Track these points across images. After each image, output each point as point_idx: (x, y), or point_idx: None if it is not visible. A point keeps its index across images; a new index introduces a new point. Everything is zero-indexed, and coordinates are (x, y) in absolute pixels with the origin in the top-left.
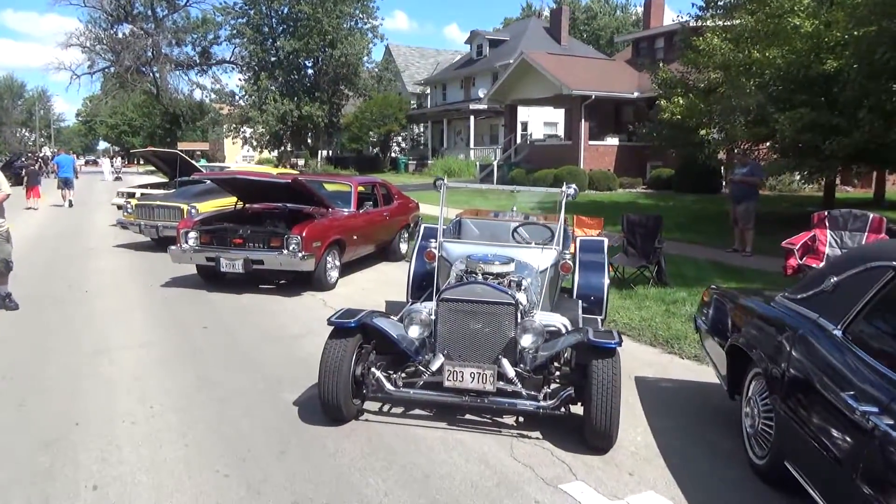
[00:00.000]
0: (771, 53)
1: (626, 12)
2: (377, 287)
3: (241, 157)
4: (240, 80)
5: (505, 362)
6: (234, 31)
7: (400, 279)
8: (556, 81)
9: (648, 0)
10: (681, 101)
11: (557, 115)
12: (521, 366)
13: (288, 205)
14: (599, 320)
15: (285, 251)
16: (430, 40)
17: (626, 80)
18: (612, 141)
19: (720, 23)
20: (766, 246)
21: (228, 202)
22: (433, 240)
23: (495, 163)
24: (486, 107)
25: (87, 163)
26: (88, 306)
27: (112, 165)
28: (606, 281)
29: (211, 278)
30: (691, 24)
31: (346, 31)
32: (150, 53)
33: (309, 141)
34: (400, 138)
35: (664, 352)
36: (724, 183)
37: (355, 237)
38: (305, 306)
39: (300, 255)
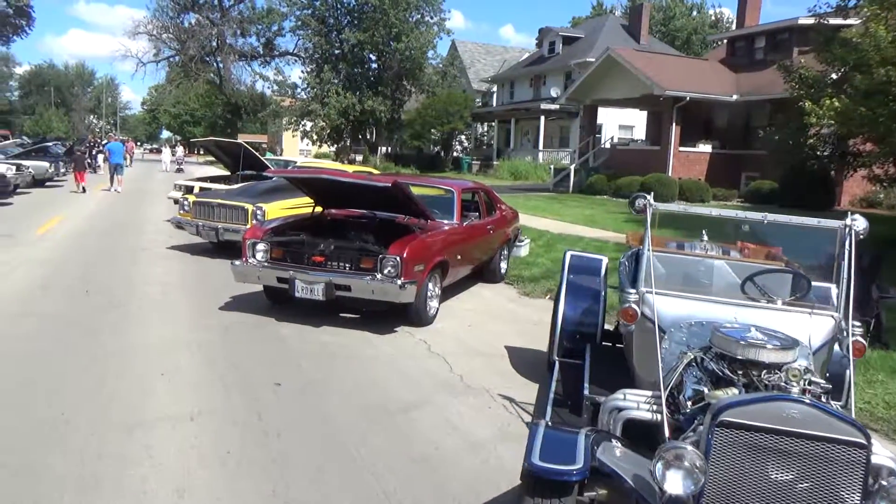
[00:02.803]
0: None
1: (702, 12)
2: (483, 321)
3: (298, 150)
4: (302, 72)
5: None
6: (299, 23)
7: (507, 309)
8: (646, 81)
9: None
10: (836, 104)
11: (634, 117)
12: None
13: (377, 213)
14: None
15: (379, 275)
16: (486, 40)
17: (722, 82)
18: (705, 148)
19: (879, 12)
20: None
21: (300, 203)
22: (584, 275)
23: (572, 167)
24: (557, 106)
25: (150, 150)
26: (127, 338)
27: (174, 155)
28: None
29: (280, 299)
30: (829, 20)
31: (412, 24)
32: (214, 43)
33: (369, 136)
34: (463, 137)
35: None
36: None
37: (459, 257)
38: (405, 351)
39: (399, 282)
